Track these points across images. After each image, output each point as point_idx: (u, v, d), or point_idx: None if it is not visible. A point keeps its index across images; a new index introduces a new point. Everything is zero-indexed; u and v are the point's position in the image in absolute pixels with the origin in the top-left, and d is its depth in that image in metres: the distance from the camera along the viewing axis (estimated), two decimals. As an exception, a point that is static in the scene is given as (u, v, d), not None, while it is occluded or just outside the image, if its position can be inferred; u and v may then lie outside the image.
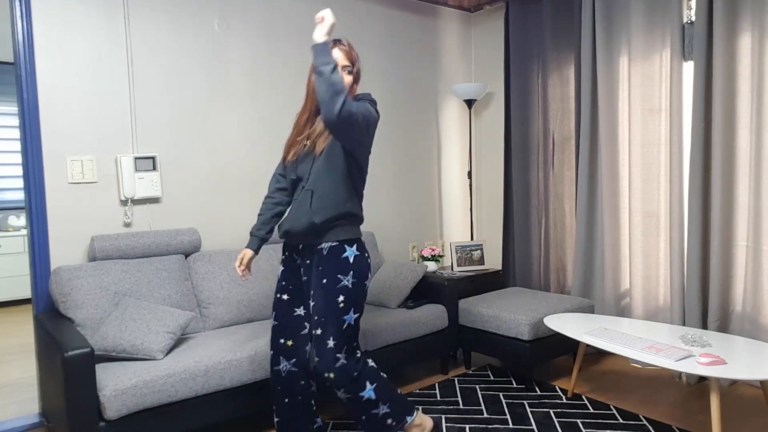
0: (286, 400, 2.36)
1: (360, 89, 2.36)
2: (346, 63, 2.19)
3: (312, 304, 2.20)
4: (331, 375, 2.14)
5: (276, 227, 2.41)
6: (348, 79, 2.19)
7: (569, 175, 3.86)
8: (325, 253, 2.18)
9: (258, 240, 2.38)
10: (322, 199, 2.17)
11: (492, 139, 4.39)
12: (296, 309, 2.36)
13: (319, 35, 2.00)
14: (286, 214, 2.36)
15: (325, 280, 2.16)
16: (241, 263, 2.35)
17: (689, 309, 3.13)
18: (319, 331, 2.16)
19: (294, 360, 2.34)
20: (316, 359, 2.17)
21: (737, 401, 2.91)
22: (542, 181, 3.99)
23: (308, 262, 2.28)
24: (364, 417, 2.21)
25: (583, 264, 3.67)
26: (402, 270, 3.36)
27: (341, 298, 2.14)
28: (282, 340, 2.34)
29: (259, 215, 2.40)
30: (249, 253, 2.36)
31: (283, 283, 2.36)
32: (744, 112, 2.99)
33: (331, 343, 2.14)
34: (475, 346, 3.34)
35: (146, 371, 2.30)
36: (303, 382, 2.37)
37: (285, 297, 2.35)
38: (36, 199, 2.73)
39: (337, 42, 2.20)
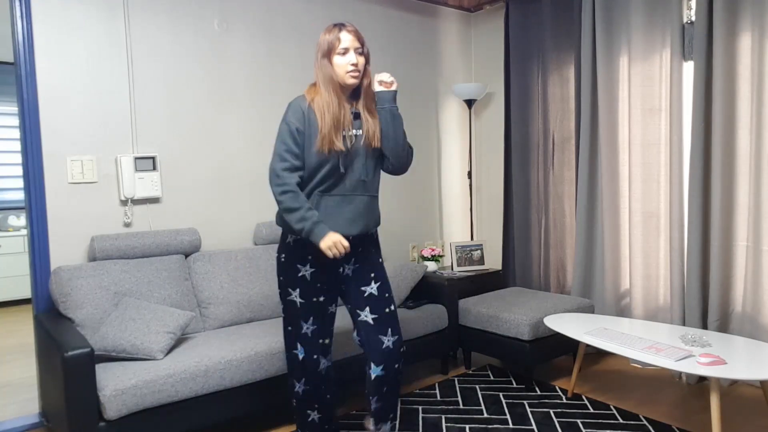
0: (328, 396, 2.40)
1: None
2: (357, 45, 2.14)
3: (378, 284, 2.30)
4: (403, 348, 2.30)
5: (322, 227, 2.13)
6: (361, 60, 2.16)
7: (569, 175, 3.86)
8: (375, 236, 2.37)
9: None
10: (374, 208, 2.30)
11: (492, 139, 4.39)
12: (329, 308, 2.33)
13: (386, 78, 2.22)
14: (342, 214, 2.19)
15: (380, 260, 2.35)
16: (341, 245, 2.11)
17: (689, 309, 3.13)
18: (392, 307, 2.31)
19: (329, 356, 2.37)
20: (395, 337, 2.28)
21: (737, 401, 2.91)
22: (542, 180, 3.99)
23: (360, 249, 2.30)
24: (397, 393, 2.35)
25: (583, 264, 3.67)
26: (402, 270, 3.35)
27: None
28: (322, 341, 2.31)
29: (308, 209, 2.10)
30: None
31: (318, 285, 2.25)
32: (744, 112, 2.99)
33: (398, 316, 2.37)
34: (475, 346, 3.34)
35: (146, 371, 2.30)
36: (332, 374, 2.42)
37: (322, 299, 2.27)
38: (36, 199, 2.72)
39: (342, 26, 2.15)
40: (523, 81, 4.04)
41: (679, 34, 3.14)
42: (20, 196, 5.79)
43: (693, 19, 3.15)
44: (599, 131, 3.57)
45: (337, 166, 2.16)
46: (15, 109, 5.63)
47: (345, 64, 2.12)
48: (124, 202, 2.97)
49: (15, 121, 5.78)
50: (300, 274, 2.22)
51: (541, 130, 3.97)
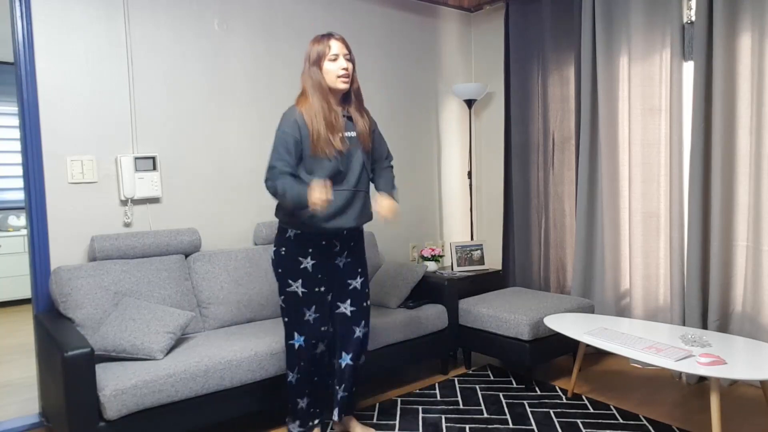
0: (316, 378, 2.52)
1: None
2: (345, 51, 2.31)
3: (362, 279, 2.51)
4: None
5: (309, 219, 2.31)
6: (350, 66, 2.32)
7: (569, 175, 3.86)
8: (362, 232, 2.56)
9: None
10: (368, 203, 2.45)
11: (492, 139, 4.39)
12: (328, 297, 2.48)
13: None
14: (344, 209, 2.35)
15: (365, 255, 2.53)
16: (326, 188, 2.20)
17: (689, 309, 3.13)
18: (369, 302, 2.52)
19: (326, 341, 2.48)
20: (366, 329, 2.50)
21: (737, 401, 2.91)
22: (542, 181, 3.99)
23: (352, 244, 2.50)
24: (356, 384, 2.54)
25: (583, 264, 3.67)
26: (402, 270, 3.35)
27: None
28: (324, 328, 2.45)
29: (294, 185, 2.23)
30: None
31: (319, 276, 2.41)
32: (744, 112, 2.99)
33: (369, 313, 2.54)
34: (475, 346, 3.34)
35: (146, 371, 2.30)
36: (326, 359, 2.55)
37: (322, 289, 2.42)
38: (36, 199, 2.72)
39: (330, 35, 2.31)
40: (523, 81, 4.04)
41: (679, 34, 3.14)
42: (20, 196, 5.79)
43: (693, 19, 3.15)
44: (599, 131, 3.57)
45: (337, 167, 2.30)
46: (15, 109, 5.64)
47: (336, 70, 2.28)
48: (124, 202, 2.97)
49: (15, 121, 5.78)
50: (302, 266, 2.36)
51: (541, 130, 3.97)
